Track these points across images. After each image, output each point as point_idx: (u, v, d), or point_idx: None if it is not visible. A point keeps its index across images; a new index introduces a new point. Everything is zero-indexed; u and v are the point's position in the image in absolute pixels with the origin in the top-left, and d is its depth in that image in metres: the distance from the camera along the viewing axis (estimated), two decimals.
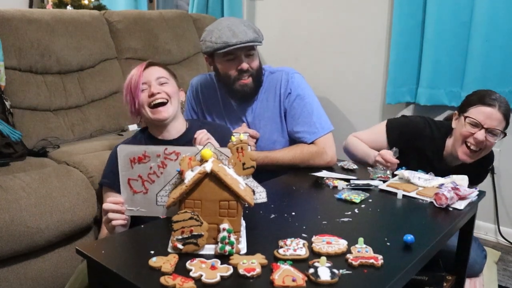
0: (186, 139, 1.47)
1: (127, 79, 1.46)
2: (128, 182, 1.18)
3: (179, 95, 1.53)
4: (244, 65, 1.65)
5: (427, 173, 1.57)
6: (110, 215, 1.19)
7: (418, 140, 1.76)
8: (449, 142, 1.74)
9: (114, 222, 1.19)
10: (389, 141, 1.80)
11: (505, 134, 1.63)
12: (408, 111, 2.61)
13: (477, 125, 1.60)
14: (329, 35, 2.85)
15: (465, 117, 1.63)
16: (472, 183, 1.61)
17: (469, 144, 1.63)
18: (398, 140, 1.78)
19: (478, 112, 1.61)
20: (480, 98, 1.63)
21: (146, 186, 1.18)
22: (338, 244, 1.06)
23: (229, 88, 1.73)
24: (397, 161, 1.62)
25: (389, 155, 1.63)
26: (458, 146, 1.66)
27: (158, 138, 1.50)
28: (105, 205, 1.20)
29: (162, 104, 1.45)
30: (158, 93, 1.44)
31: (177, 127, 1.51)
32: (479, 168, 1.76)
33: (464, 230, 1.50)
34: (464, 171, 1.63)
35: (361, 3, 2.69)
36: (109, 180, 1.46)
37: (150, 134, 1.53)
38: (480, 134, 1.59)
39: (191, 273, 0.92)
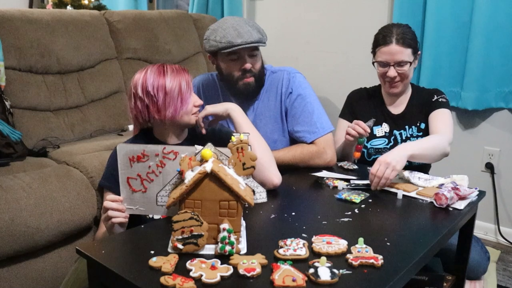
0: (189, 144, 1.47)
1: (175, 83, 1.37)
2: (127, 180, 1.18)
3: None
4: (248, 65, 1.65)
5: (381, 126, 1.86)
6: (110, 212, 1.19)
7: (358, 102, 1.95)
8: (383, 90, 1.92)
9: (114, 220, 1.19)
10: (350, 122, 1.92)
11: (416, 56, 1.79)
12: None
13: (385, 65, 1.77)
14: (329, 35, 2.85)
15: (374, 62, 1.82)
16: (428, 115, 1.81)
17: (387, 80, 1.79)
18: (348, 113, 1.96)
19: (381, 54, 1.78)
20: (377, 40, 1.81)
21: (145, 185, 1.19)
22: (338, 244, 1.06)
23: (232, 87, 1.73)
24: (366, 127, 1.68)
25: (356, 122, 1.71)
26: (383, 85, 1.86)
27: (162, 141, 1.48)
28: (106, 203, 1.21)
29: None
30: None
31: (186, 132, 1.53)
32: (424, 103, 1.84)
33: (464, 230, 1.50)
34: (413, 113, 1.85)
35: (361, 3, 2.69)
36: (109, 183, 1.45)
37: (154, 137, 1.51)
38: (391, 71, 1.76)
39: (191, 273, 0.92)
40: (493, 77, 2.27)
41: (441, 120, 1.76)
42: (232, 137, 1.09)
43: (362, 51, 2.74)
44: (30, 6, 3.37)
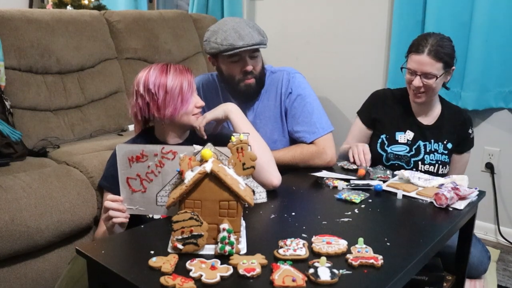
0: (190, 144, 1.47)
1: (176, 82, 1.38)
2: (127, 181, 1.18)
3: None
4: (249, 68, 1.65)
5: (404, 133, 1.83)
6: (111, 212, 1.19)
7: (383, 103, 1.90)
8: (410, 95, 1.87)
9: (115, 220, 1.20)
10: (364, 121, 1.93)
11: (448, 71, 1.74)
12: None
13: (412, 73, 1.72)
14: (329, 35, 2.85)
15: (404, 68, 1.78)
16: (458, 150, 1.86)
17: (412, 88, 1.75)
18: (369, 113, 1.91)
19: (411, 61, 1.73)
20: (412, 46, 1.75)
21: (144, 185, 1.19)
22: (338, 244, 1.06)
23: (233, 88, 1.72)
24: (368, 161, 1.71)
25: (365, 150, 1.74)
26: (409, 92, 1.81)
27: (162, 140, 1.48)
28: (106, 203, 1.21)
29: None
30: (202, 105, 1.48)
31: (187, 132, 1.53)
32: (458, 127, 1.84)
33: (464, 230, 1.50)
34: (443, 130, 1.83)
35: (361, 3, 2.69)
36: (109, 183, 1.45)
37: (155, 137, 1.50)
38: (416, 81, 1.71)
39: (191, 273, 0.92)
40: (493, 77, 2.27)
41: (464, 167, 1.92)
42: (232, 137, 1.09)
43: (362, 51, 2.75)
44: (30, 6, 3.37)
